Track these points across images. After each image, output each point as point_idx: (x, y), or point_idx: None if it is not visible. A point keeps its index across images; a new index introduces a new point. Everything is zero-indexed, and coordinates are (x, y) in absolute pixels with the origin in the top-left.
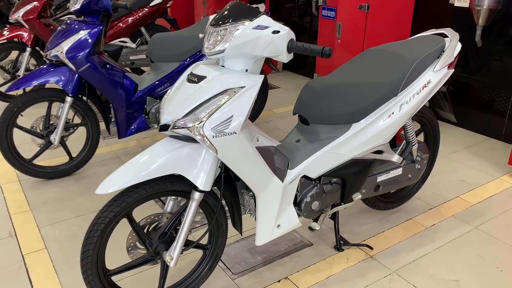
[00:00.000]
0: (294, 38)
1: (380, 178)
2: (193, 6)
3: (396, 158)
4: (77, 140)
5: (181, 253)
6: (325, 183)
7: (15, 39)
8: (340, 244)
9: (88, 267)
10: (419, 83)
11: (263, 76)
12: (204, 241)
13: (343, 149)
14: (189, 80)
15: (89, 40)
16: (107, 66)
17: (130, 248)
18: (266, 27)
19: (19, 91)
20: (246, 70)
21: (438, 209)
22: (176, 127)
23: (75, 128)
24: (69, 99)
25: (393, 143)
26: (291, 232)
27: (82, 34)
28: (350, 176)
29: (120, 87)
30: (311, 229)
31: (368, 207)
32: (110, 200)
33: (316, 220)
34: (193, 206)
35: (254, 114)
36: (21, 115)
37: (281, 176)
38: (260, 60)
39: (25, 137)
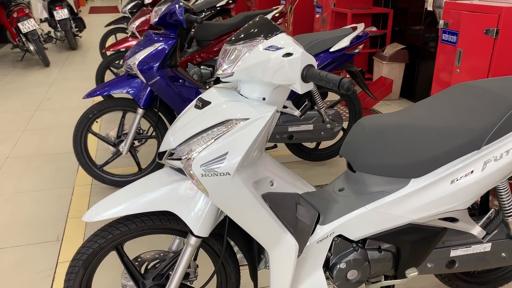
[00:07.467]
0: (315, 64)
1: (455, 253)
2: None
3: (477, 230)
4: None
5: None
6: (370, 249)
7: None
8: None
9: None
10: None
11: (275, 107)
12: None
13: (396, 209)
14: (196, 105)
15: (162, 53)
16: (180, 81)
17: (124, 285)
18: (278, 48)
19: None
20: (264, 99)
21: None
22: (170, 157)
23: (146, 139)
24: (140, 111)
25: (486, 208)
26: None
27: (156, 46)
28: (406, 245)
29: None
30: None
31: (443, 284)
32: (98, 229)
33: None
34: (187, 251)
35: (340, 140)
36: (96, 122)
37: (306, 233)
38: (282, 88)
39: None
